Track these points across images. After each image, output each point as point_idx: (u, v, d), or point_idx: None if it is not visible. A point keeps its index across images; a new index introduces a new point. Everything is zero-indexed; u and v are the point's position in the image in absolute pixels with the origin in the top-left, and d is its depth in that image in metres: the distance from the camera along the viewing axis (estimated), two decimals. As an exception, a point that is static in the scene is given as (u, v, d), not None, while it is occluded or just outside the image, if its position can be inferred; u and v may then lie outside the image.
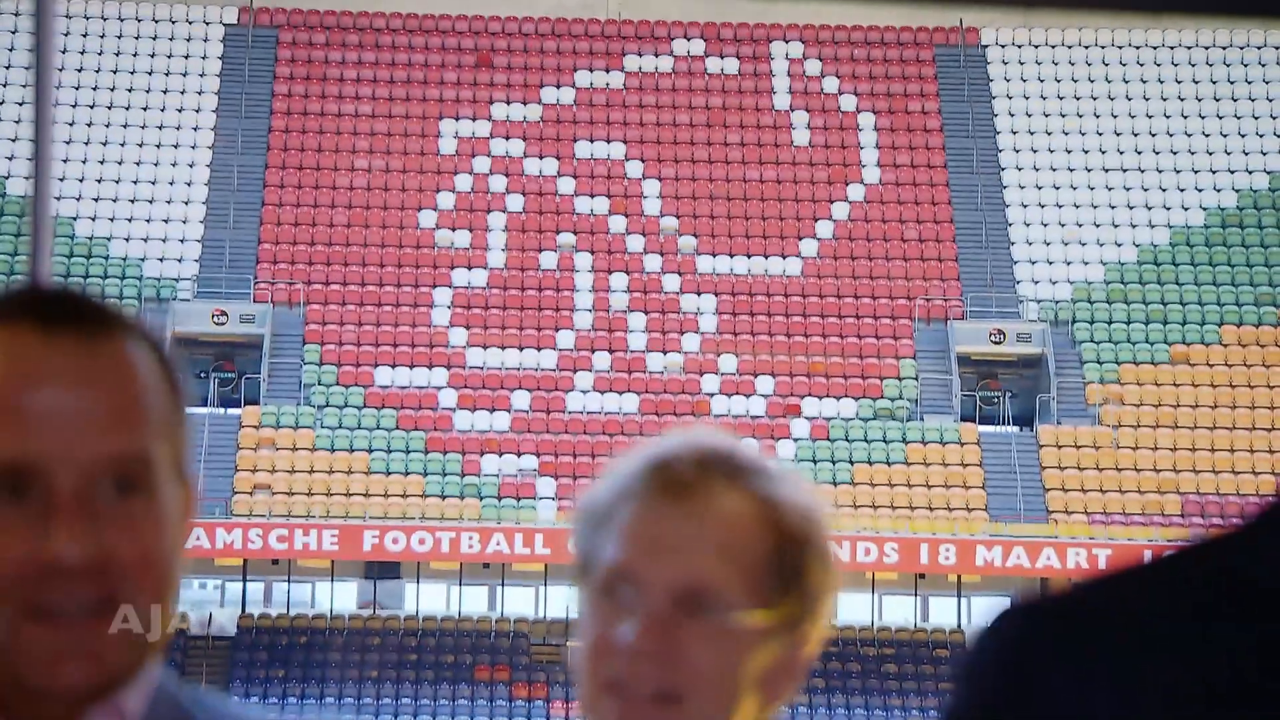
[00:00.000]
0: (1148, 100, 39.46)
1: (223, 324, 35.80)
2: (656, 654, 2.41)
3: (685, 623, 2.41)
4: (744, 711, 2.44)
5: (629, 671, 2.42)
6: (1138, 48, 39.73)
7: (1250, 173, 38.16)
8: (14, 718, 2.03)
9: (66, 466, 1.95)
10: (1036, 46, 40.34)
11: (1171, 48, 39.51)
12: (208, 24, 40.26)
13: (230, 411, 34.84)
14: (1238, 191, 38.30)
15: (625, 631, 2.45)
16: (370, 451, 34.52)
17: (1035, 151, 39.54)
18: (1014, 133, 39.82)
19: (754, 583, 2.41)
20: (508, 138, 38.88)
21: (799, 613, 2.44)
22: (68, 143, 37.46)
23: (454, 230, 37.72)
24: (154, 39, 40.01)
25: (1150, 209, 38.48)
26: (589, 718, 2.48)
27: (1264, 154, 37.85)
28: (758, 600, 2.40)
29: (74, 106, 38.38)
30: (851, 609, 34.24)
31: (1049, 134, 39.61)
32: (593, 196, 38.25)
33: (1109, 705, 1.68)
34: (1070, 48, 40.12)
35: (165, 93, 39.42)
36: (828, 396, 36.02)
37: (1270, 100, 38.09)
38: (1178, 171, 38.68)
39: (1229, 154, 38.39)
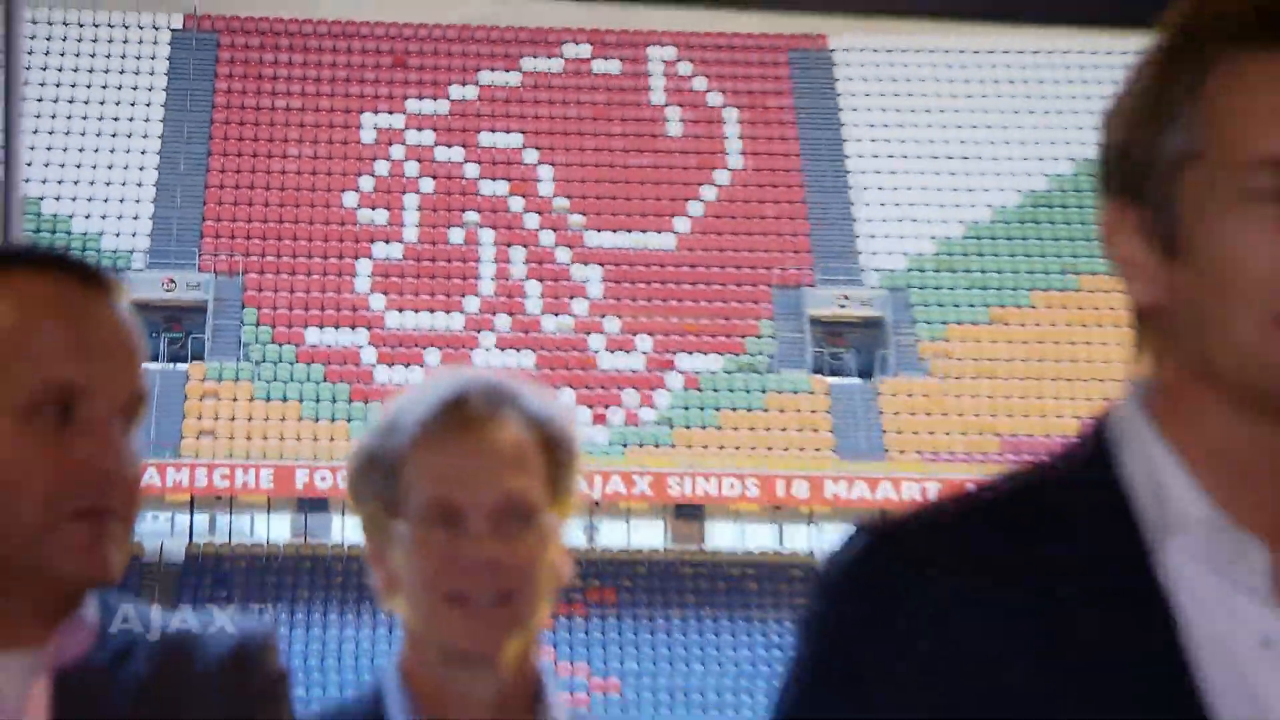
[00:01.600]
0: (970, 98, 39.73)
1: (171, 291, 35.65)
2: (491, 564, 2.45)
3: (507, 534, 2.45)
4: (549, 597, 2.51)
5: (470, 583, 2.47)
6: (962, 52, 39.96)
7: (1057, 160, 38.48)
8: (10, 608, 2.06)
9: (109, 394, 1.99)
10: (876, 50, 40.51)
11: (991, 52, 39.76)
12: (156, 29, 40.06)
13: (178, 366, 34.71)
14: (1047, 176, 38.61)
15: (462, 550, 2.49)
16: (301, 401, 34.45)
17: (875, 142, 39.76)
18: (857, 125, 40.02)
19: (545, 490, 2.48)
20: (420, 129, 38.83)
21: (569, 508, 2.51)
22: (35, 133, 37.20)
23: (374, 209, 37.66)
24: (109, 42, 39.79)
25: (973, 191, 38.78)
26: (431, 629, 2.51)
27: (1068, 144, 38.17)
28: (549, 504, 2.46)
29: (39, 101, 38.11)
30: (719, 536, 34.41)
31: (887, 127, 39.83)
32: (494, 180, 38.26)
33: (939, 615, 1.69)
34: (905, 51, 40.31)
35: (120, 89, 39.21)
36: (698, 353, 36.14)
37: (1073, 99, 38.41)
38: (995, 160, 38.98)
39: (1039, 144, 38.69)
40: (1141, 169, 1.73)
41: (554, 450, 2.54)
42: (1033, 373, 35.65)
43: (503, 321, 36.19)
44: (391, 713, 2.57)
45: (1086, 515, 1.72)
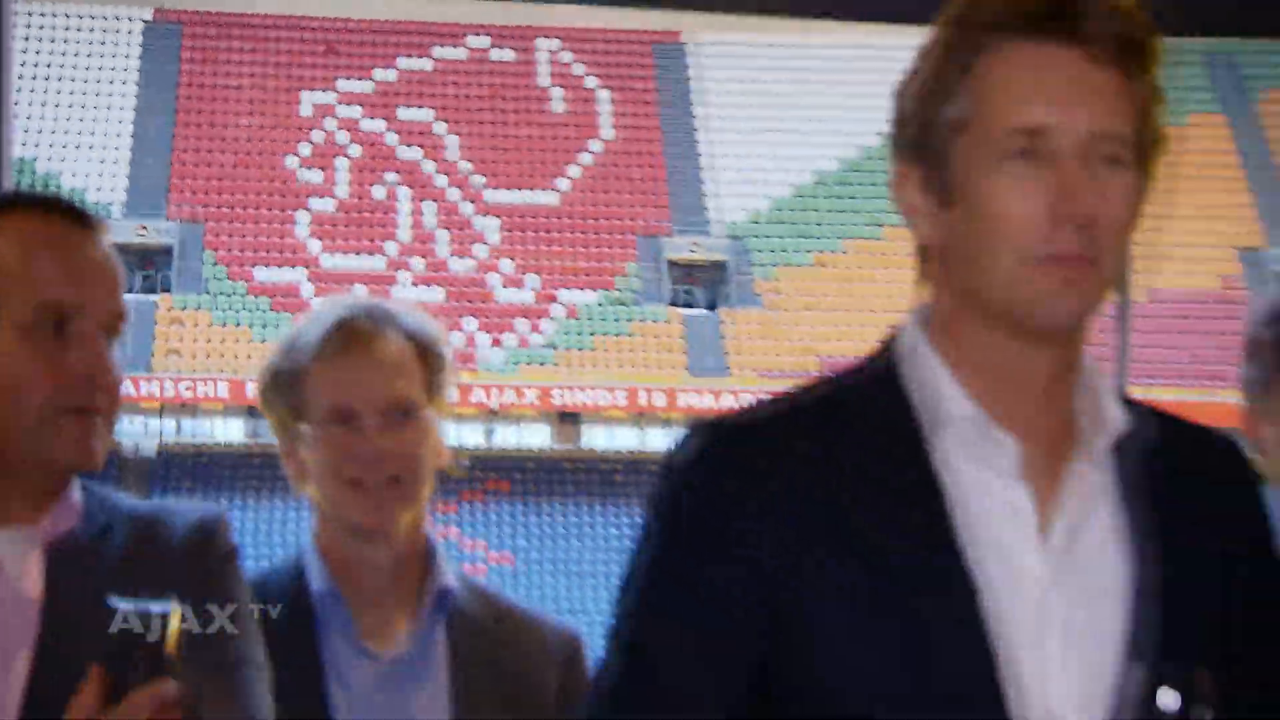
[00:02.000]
0: (798, 84, 39.78)
1: (144, 236, 35.23)
2: (382, 454, 2.45)
3: (394, 429, 2.45)
4: (431, 477, 2.51)
5: (366, 470, 2.47)
6: (791, 46, 39.98)
7: (865, 134, 38.62)
8: (9, 491, 2.07)
9: (96, 313, 2.00)
10: (724, 45, 40.47)
11: (813, 46, 39.78)
12: (130, 20, 39.50)
13: (150, 298, 34.37)
14: (858, 148, 38.74)
15: (358, 444, 2.49)
16: (251, 327, 34.16)
17: (721, 119, 39.77)
18: (706, 105, 40.01)
19: (423, 392, 2.47)
20: (349, 105, 38.49)
21: (444, 405, 2.50)
22: (29, 104, 36.60)
23: (310, 170, 37.32)
24: (91, 31, 39.19)
25: (799, 159, 38.86)
26: (336, 509, 2.50)
27: (875, 122, 38.32)
28: (427, 403, 2.46)
29: (34, 80, 37.48)
30: (594, 437, 34.49)
31: (731, 106, 39.83)
32: (410, 147, 38.00)
33: (753, 491, 1.73)
34: (746, 45, 40.28)
35: (100, 69, 38.66)
36: (576, 289, 36.13)
37: (878, 84, 38.47)
38: (816, 134, 39.02)
39: (851, 121, 38.78)
40: (925, 134, 1.77)
41: (429, 359, 2.55)
42: (845, 305, 35.86)
43: (417, 263, 36.04)
44: (310, 576, 2.58)
45: (875, 412, 1.77)
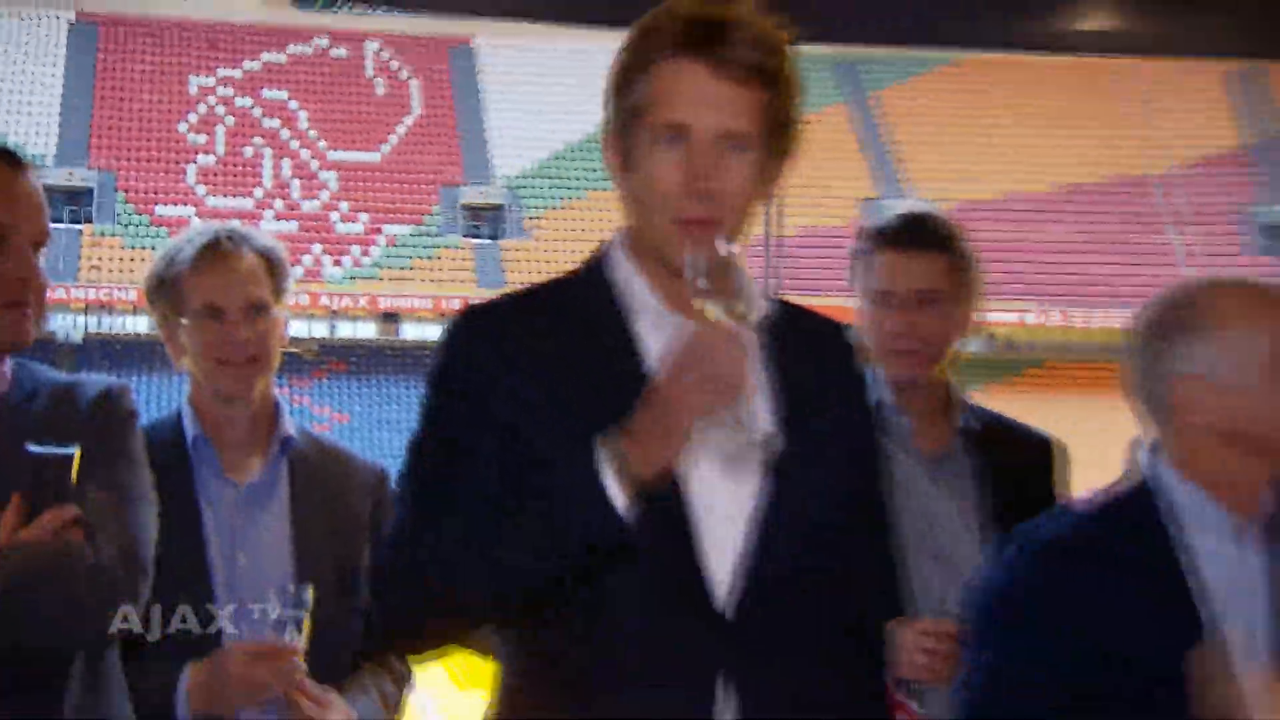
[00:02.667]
0: (555, 76, 39.60)
1: (71, 180, 33.96)
2: (243, 341, 2.41)
3: (252, 321, 2.41)
4: (279, 355, 2.47)
5: (231, 352, 2.42)
6: (552, 49, 39.77)
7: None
8: None
9: (28, 231, 1.94)
10: (501, 46, 40.11)
11: (563, 49, 39.59)
12: (59, 19, 37.90)
13: (76, 227, 33.21)
14: (596, 124, 38.73)
15: (224, 334, 2.44)
16: (154, 250, 33.10)
17: (499, 101, 39.50)
18: (489, 90, 39.69)
19: (272, 294, 2.43)
20: (225, 86, 37.41)
21: (285, 303, 2.47)
22: (-20, 82, 34.88)
23: (197, 134, 36.25)
24: (28, 29, 37.47)
25: (559, 130, 38.78)
26: (208, 381, 2.46)
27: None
28: (275, 302, 2.42)
29: (-17, 62, 35.68)
30: (409, 332, 34.38)
31: (506, 92, 39.57)
32: (271, 118, 37.09)
33: (491, 356, 1.73)
34: (519, 48, 39.96)
35: (35, 56, 36.99)
36: (396, 224, 35.79)
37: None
38: (569, 112, 38.89)
39: (592, 103, 38.67)
40: (617, 114, 1.79)
41: (275, 270, 2.51)
42: (590, 237, 35.93)
43: (278, 204, 35.28)
44: (186, 427, 2.53)
45: (589, 301, 1.79)
